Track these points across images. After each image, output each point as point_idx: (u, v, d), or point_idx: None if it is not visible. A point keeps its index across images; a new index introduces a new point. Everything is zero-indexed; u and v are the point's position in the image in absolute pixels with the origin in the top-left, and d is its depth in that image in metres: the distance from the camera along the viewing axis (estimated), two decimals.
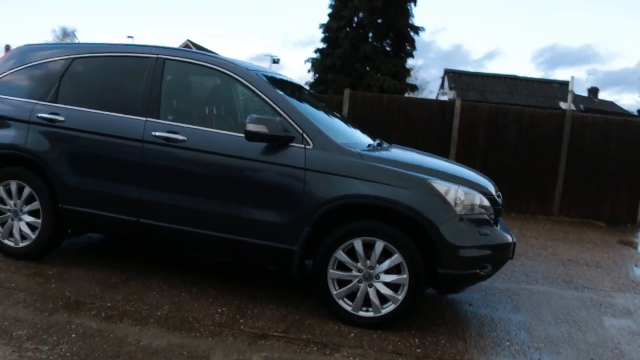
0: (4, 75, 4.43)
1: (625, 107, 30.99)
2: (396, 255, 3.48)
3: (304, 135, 3.65)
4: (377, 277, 3.53)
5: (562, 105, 21.94)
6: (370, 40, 12.40)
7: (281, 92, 3.89)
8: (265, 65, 18.95)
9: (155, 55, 4.07)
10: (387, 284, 3.53)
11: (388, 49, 13.19)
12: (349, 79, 12.15)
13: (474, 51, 73.67)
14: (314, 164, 3.57)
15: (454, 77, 23.77)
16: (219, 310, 3.65)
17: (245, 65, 4.06)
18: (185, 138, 3.78)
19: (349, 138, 4.11)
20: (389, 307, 3.55)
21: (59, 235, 4.28)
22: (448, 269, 3.46)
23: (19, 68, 4.42)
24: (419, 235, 3.49)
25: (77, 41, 36.67)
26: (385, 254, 3.51)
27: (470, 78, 23.95)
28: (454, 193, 3.53)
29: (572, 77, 23.74)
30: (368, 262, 3.53)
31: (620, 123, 8.97)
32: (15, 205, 4.23)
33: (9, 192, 4.26)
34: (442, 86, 26.53)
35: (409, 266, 3.47)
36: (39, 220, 4.18)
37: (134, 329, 3.25)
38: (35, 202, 4.17)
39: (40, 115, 4.13)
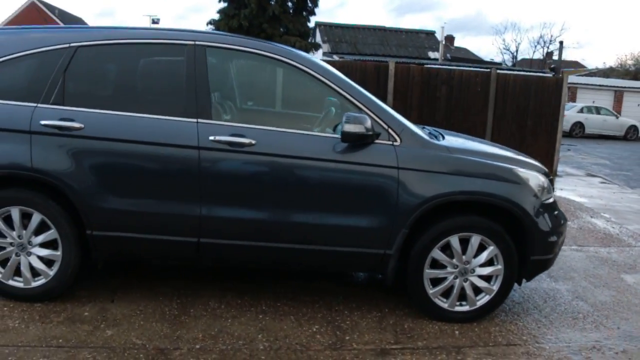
0: None
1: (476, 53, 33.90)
2: (492, 247, 3.45)
3: (390, 131, 3.38)
4: (472, 271, 3.49)
5: (431, 54, 23.30)
6: None
7: (355, 84, 3.53)
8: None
9: (193, 42, 3.43)
10: (481, 277, 3.51)
11: (291, 7, 12.68)
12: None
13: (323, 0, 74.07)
14: (407, 161, 3.34)
15: (325, 30, 23.92)
16: (314, 329, 3.35)
17: (302, 53, 3.60)
18: (254, 141, 3.29)
19: None
20: (484, 299, 3.54)
21: (84, 268, 3.55)
22: (538, 255, 3.52)
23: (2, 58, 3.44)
24: (512, 225, 3.49)
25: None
26: (480, 248, 3.47)
27: (341, 30, 24.30)
28: (535, 179, 3.56)
29: (443, 28, 25.30)
30: (464, 257, 3.45)
31: (536, 80, 9.75)
32: (19, 237, 3.39)
33: (8, 221, 3.39)
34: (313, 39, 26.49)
35: (504, 257, 3.47)
36: (58, 253, 3.40)
37: None
38: (51, 231, 3.38)
39: (45, 122, 3.29)
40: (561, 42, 28.30)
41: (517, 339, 3.38)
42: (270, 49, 3.48)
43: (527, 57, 43.54)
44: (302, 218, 3.35)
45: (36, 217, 3.36)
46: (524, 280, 3.66)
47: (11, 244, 3.40)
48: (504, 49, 60.29)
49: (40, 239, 3.39)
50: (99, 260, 3.56)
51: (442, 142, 3.56)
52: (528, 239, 3.47)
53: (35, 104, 3.34)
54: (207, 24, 13.63)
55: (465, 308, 3.53)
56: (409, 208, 3.33)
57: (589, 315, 3.82)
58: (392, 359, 3.06)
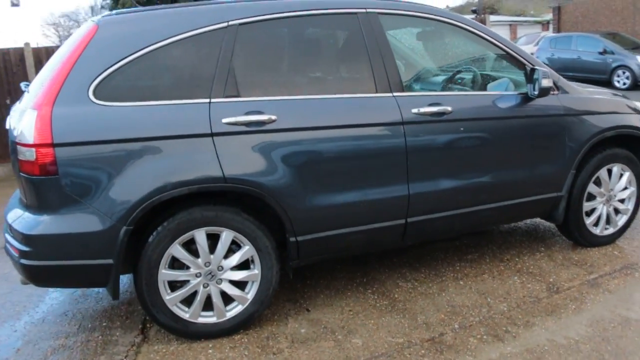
0: (114, 67, 2.65)
1: None
2: (628, 173, 3.83)
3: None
4: (615, 196, 3.84)
5: None
6: None
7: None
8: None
9: (365, 10, 3.07)
10: (621, 200, 3.89)
11: None
12: None
13: None
14: (568, 108, 3.50)
15: None
16: (516, 281, 3.42)
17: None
18: (451, 108, 3.13)
19: None
20: (622, 219, 3.93)
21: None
22: None
23: (138, 53, 2.69)
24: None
25: None
26: (619, 175, 3.82)
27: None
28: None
29: None
30: (610, 186, 3.79)
31: None
32: (207, 264, 2.80)
33: (190, 247, 2.78)
34: None
35: (637, 179, 3.88)
36: (256, 271, 2.90)
37: None
38: (245, 249, 2.84)
39: (229, 120, 2.71)
40: None
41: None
42: (438, 12, 3.30)
43: None
44: (499, 177, 3.34)
45: (227, 236, 2.80)
46: None
47: (197, 274, 2.80)
48: None
49: (233, 260, 2.85)
50: (291, 269, 3.11)
51: (578, 87, 3.78)
52: None
53: (207, 100, 2.72)
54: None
55: (611, 230, 3.89)
56: (575, 150, 3.52)
57: None
58: (605, 287, 3.29)
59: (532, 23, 33.42)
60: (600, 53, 14.35)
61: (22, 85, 3.35)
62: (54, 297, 3.51)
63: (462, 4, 38.94)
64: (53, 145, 2.52)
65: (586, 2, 17.65)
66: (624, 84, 13.71)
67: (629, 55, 13.76)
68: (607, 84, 13.81)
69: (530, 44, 23.38)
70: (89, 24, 2.82)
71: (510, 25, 31.29)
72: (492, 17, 31.52)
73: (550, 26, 27.09)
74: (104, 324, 3.13)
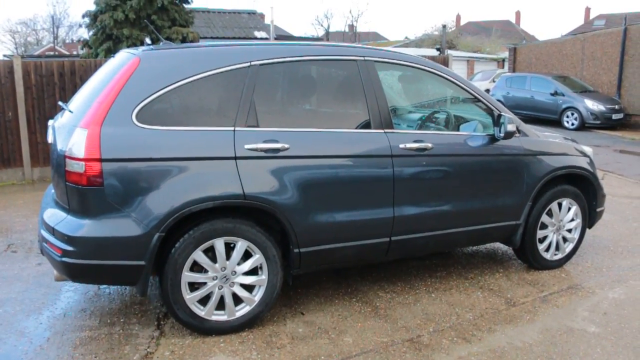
0: (155, 96, 3.10)
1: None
2: (575, 207, 4.48)
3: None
4: (563, 227, 4.49)
5: (256, 34, 23.66)
6: None
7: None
8: None
9: (363, 58, 3.63)
10: (568, 230, 4.54)
11: None
12: (146, 33, 10.51)
13: None
14: (528, 149, 4.14)
15: None
16: (479, 296, 3.99)
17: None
18: (431, 145, 3.71)
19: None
20: (569, 247, 4.58)
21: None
22: (600, 207, 4.68)
23: (174, 84, 3.14)
24: (582, 187, 4.56)
25: None
26: (567, 209, 4.48)
27: None
28: (588, 150, 4.71)
29: (272, 8, 25.69)
30: (560, 217, 4.44)
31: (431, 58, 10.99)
32: (223, 269, 3.24)
33: (210, 253, 3.22)
34: None
35: (582, 212, 4.53)
36: (263, 277, 3.36)
37: None
38: (256, 257, 3.30)
39: (250, 146, 3.20)
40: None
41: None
42: (422, 62, 3.89)
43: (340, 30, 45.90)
44: (469, 205, 3.92)
45: (242, 245, 3.26)
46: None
47: (213, 277, 3.24)
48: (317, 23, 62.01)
49: (245, 267, 3.30)
50: (291, 277, 3.58)
51: (536, 131, 4.43)
52: (594, 194, 4.59)
53: (232, 128, 3.20)
54: (83, 17, 11.85)
55: (559, 256, 4.53)
56: (532, 185, 4.15)
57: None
58: (554, 303, 3.90)
59: (489, 60, 35.22)
60: (552, 94, 15.49)
61: (60, 104, 3.74)
62: (69, 296, 3.86)
63: (422, 37, 40.58)
64: (101, 160, 2.94)
65: (539, 45, 19.01)
66: (572, 124, 14.84)
67: (578, 98, 14.91)
68: (557, 123, 14.95)
69: (486, 80, 24.66)
70: (129, 55, 3.27)
71: (467, 61, 32.89)
72: (452, 53, 33.13)
73: (505, 64, 28.67)
74: (122, 320, 3.50)
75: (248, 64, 3.32)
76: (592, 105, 14.54)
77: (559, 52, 17.87)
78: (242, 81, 3.28)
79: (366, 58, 3.66)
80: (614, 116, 14.59)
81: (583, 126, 14.63)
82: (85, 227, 3.00)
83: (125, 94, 3.05)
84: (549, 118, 15.29)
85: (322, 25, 56.98)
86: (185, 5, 12.58)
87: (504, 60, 31.53)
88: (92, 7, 11.60)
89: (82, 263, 3.00)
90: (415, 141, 3.67)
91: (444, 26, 27.73)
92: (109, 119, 2.99)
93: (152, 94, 3.09)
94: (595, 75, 16.48)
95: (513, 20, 57.28)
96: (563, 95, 15.23)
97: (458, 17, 58.35)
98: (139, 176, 3.01)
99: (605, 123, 14.48)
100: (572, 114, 14.93)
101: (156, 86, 3.11)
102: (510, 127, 3.87)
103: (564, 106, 15.12)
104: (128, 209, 3.00)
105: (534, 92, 16.10)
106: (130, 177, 3.00)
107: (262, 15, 32.54)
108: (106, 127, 2.98)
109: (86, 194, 2.98)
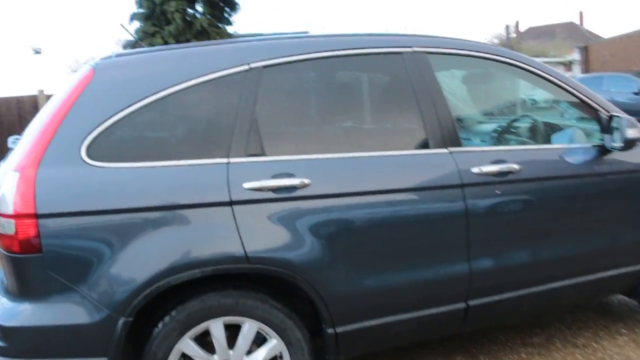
0: (113, 120, 2.17)
1: None
2: None
3: None
4: None
5: None
6: (202, 12, 10.44)
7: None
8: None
9: (411, 49, 2.59)
10: None
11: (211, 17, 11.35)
12: None
13: None
14: None
15: None
16: None
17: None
18: (518, 167, 2.59)
19: None
20: None
21: None
22: None
23: (141, 102, 2.21)
24: None
25: None
26: None
27: None
28: None
29: (323, 27, 25.21)
30: None
31: None
32: None
33: (204, 340, 2.23)
34: None
35: None
36: None
37: None
38: (273, 343, 2.28)
39: (251, 184, 2.20)
40: None
41: None
42: (498, 52, 2.81)
43: None
44: (577, 248, 2.75)
45: (250, 328, 2.25)
46: None
47: None
48: None
49: (258, 358, 2.28)
50: None
51: None
52: None
53: (225, 159, 2.22)
54: (124, 47, 11.62)
55: None
56: None
57: None
58: None
59: (554, 64, 33.20)
60: (635, 93, 13.75)
61: (10, 140, 2.91)
62: None
63: None
64: (36, 216, 2.03)
65: (614, 40, 17.21)
66: None
67: None
68: None
69: None
70: (85, 67, 2.37)
71: None
72: None
73: (573, 67, 26.69)
74: None
75: (246, 66, 2.34)
76: None
77: (638, 45, 16.04)
78: (239, 91, 2.31)
79: (415, 49, 2.60)
80: None
81: None
82: (22, 314, 2.10)
83: (71, 121, 2.15)
84: None
85: None
86: (227, 27, 12.03)
87: (571, 62, 29.57)
88: (130, 37, 11.29)
89: None
90: (495, 162, 2.56)
91: (507, 26, 25.96)
92: (47, 156, 2.10)
93: (108, 118, 2.17)
94: None
95: (577, 22, 54.28)
96: None
97: (517, 24, 56.06)
98: (92, 236, 2.09)
99: None
100: None
101: (114, 107, 2.19)
102: (632, 133, 2.69)
103: None
104: (79, 285, 2.08)
105: (614, 93, 14.33)
106: (79, 238, 2.08)
107: None
108: (44, 168, 2.08)
109: (21, 265, 2.09)
